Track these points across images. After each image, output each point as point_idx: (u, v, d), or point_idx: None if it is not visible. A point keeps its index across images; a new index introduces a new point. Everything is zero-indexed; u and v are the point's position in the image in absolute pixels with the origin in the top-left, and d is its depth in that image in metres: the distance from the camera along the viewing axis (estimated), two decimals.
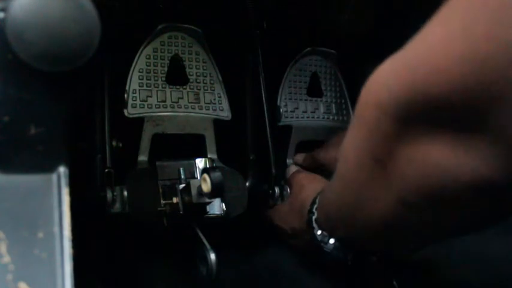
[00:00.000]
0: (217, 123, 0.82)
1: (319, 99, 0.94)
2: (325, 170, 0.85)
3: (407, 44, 0.41)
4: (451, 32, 0.37)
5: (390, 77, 0.41)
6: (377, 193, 0.48)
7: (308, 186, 0.75)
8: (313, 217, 0.66)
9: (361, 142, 0.47)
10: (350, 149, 0.50)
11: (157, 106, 0.78)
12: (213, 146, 0.82)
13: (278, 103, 0.90)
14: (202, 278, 0.69)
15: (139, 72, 0.78)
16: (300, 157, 0.90)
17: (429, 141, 0.41)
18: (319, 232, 0.65)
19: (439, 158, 0.40)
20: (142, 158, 0.77)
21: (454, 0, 0.38)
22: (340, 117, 0.95)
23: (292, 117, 0.91)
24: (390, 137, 0.43)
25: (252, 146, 0.84)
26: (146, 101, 0.77)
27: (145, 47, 0.79)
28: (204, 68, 0.83)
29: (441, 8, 0.39)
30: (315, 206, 0.66)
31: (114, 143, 0.72)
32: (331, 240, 0.64)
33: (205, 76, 0.83)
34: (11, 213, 0.43)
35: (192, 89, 0.82)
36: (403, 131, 0.41)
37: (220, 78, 0.84)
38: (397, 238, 0.55)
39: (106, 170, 0.70)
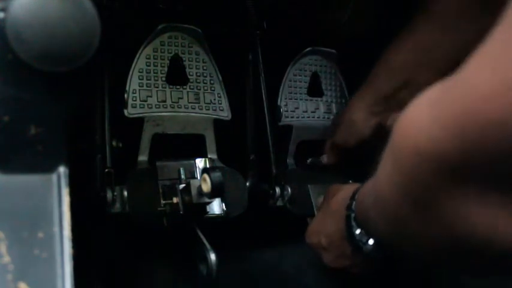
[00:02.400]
0: (217, 123, 0.82)
1: (319, 99, 0.94)
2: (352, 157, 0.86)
3: (447, 82, 0.37)
4: (507, 79, 0.32)
5: (433, 126, 0.37)
6: (420, 228, 0.44)
7: (341, 189, 0.72)
8: (352, 215, 0.62)
9: (399, 185, 0.43)
10: (385, 187, 0.46)
11: (157, 106, 0.78)
12: (213, 146, 0.82)
13: (278, 103, 0.90)
14: (202, 278, 0.69)
15: (139, 72, 0.78)
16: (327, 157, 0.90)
17: (480, 199, 0.37)
18: (357, 231, 0.62)
19: (490, 219, 0.38)
20: (142, 158, 0.77)
21: (499, 34, 0.34)
22: None
23: (292, 117, 0.91)
24: (433, 187, 0.39)
25: (252, 146, 0.84)
26: (146, 101, 0.77)
27: (145, 47, 0.79)
28: (204, 68, 0.83)
29: (484, 42, 0.35)
30: (354, 203, 0.63)
31: (114, 143, 0.72)
32: (371, 241, 0.61)
33: (205, 76, 0.83)
34: (11, 213, 0.43)
35: (192, 89, 0.82)
36: (449, 184, 0.38)
37: (220, 78, 0.84)
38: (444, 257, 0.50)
39: (106, 170, 0.70)
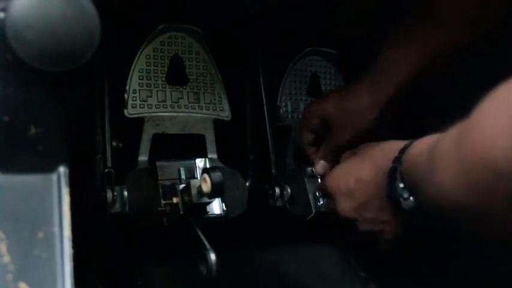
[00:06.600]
0: (217, 123, 0.82)
1: None
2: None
3: None
4: None
5: None
6: (484, 220, 0.43)
7: (378, 145, 0.68)
8: (399, 168, 0.59)
9: (466, 194, 0.41)
10: (449, 187, 0.44)
11: (157, 106, 0.78)
12: (213, 146, 0.82)
13: (278, 103, 0.90)
14: (202, 278, 0.69)
15: (139, 72, 0.78)
16: (320, 166, 0.84)
17: None
18: (401, 185, 0.58)
19: None
20: (142, 158, 0.77)
21: None
22: None
23: (292, 117, 0.91)
24: (508, 205, 0.37)
25: (252, 146, 0.84)
26: (146, 101, 0.78)
27: (145, 47, 0.79)
28: (204, 68, 0.83)
29: None
30: (403, 157, 0.58)
31: (114, 143, 0.72)
32: (412, 198, 0.57)
33: (205, 76, 0.83)
34: (11, 213, 0.43)
35: (192, 89, 0.82)
36: None
37: (220, 78, 0.84)
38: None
39: (106, 170, 0.70)
